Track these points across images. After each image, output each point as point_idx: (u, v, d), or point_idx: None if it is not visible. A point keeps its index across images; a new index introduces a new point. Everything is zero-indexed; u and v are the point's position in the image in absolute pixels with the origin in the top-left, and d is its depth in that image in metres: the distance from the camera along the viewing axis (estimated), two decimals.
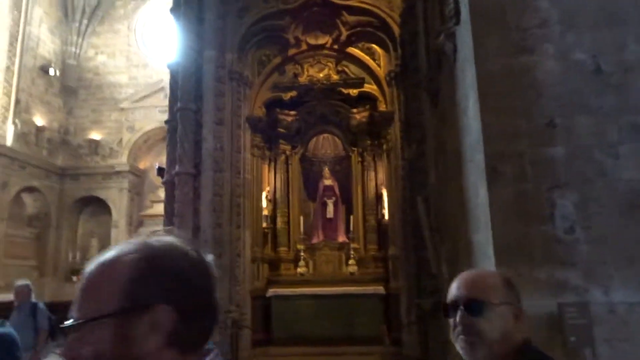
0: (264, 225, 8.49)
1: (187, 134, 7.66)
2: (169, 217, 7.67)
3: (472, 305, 1.13)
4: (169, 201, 7.84)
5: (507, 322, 1.16)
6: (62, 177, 15.15)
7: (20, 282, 5.54)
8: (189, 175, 7.44)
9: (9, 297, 6.32)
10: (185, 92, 7.80)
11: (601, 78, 3.69)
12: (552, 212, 3.62)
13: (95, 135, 15.82)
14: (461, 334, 1.18)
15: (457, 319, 1.20)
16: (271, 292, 7.74)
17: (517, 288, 1.32)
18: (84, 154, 15.72)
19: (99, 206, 15.24)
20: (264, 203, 8.58)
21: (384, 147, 8.29)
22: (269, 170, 9.03)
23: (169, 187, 7.86)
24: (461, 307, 1.19)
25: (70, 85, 15.96)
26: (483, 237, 4.04)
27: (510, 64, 3.98)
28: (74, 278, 13.58)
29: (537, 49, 3.80)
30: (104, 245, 15.63)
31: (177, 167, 7.60)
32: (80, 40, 15.89)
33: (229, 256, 7.24)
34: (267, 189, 8.80)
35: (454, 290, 1.26)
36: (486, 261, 3.93)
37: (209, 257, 0.65)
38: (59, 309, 4.83)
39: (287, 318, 7.54)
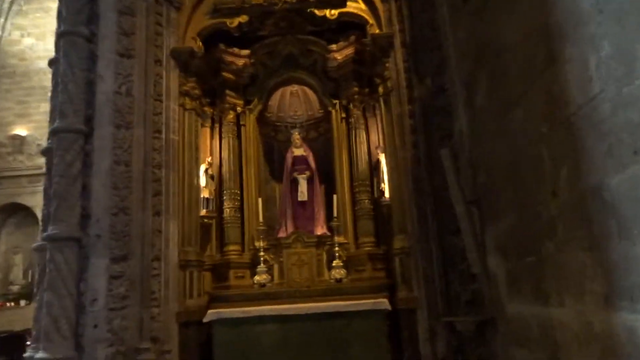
0: (204, 212, 6.05)
1: (73, 71, 5.24)
2: (47, 202, 5.14)
3: None
4: (49, 179, 5.30)
5: None
6: None
7: None
8: (74, 134, 4.98)
9: None
10: (72, 9, 5.30)
11: None
12: None
13: (20, 130, 14.43)
14: None
15: None
16: (212, 314, 5.25)
17: None
18: (6, 152, 14.26)
19: (26, 215, 13.83)
20: (203, 180, 6.10)
21: (380, 90, 5.94)
22: (211, 135, 6.58)
23: (50, 158, 5.31)
24: None
25: None
26: None
27: None
28: None
29: None
30: (31, 263, 13.90)
31: (56, 122, 5.08)
32: (1, 20, 14.83)
33: (139, 260, 4.82)
34: (208, 159, 6.37)
35: None
36: None
37: None
38: None
39: (239, 357, 5.07)
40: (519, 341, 3.60)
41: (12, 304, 13.16)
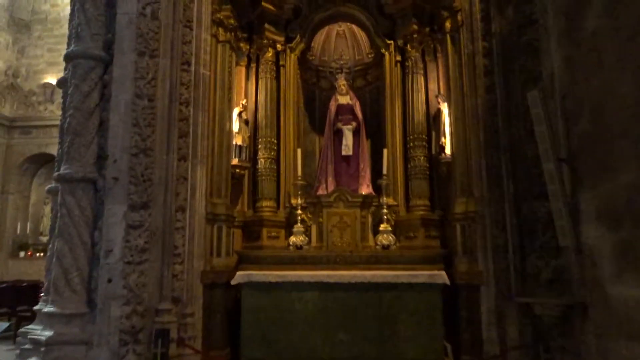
0: (235, 161, 5.44)
1: None
2: (62, 138, 4.64)
3: None
4: (64, 113, 4.79)
5: None
6: (10, 130, 13.29)
7: None
8: (91, 61, 4.38)
9: None
10: None
11: None
12: None
13: (51, 79, 13.63)
14: None
15: None
16: (242, 276, 4.67)
17: None
18: (38, 102, 13.88)
19: None
20: (236, 125, 5.44)
21: (447, 25, 5.06)
22: (246, 75, 5.88)
23: (66, 90, 4.79)
24: None
25: (22, 18, 14.03)
26: None
27: None
28: (22, 254, 12.39)
29: None
30: None
31: (71, 46, 4.50)
32: None
33: (162, 210, 4.27)
34: (243, 102, 5.67)
35: None
36: None
37: None
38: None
39: (269, 325, 4.55)
40: (630, 333, 2.84)
41: (42, 254, 13.20)
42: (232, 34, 5.37)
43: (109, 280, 3.99)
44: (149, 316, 4.01)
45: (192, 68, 4.77)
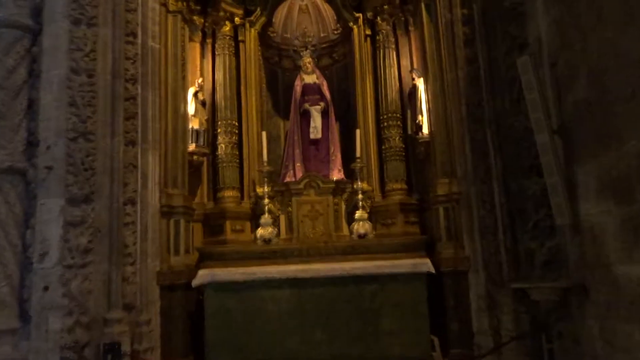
0: (192, 147, 4.91)
1: None
2: None
3: None
4: None
5: None
6: None
7: None
8: (16, 31, 3.75)
9: None
10: None
11: None
12: None
13: None
14: None
15: None
16: (204, 275, 4.18)
17: None
18: None
19: None
20: (192, 107, 4.91)
21: None
22: (202, 53, 5.35)
23: None
24: None
25: None
26: None
27: None
28: None
29: None
30: None
31: None
32: None
33: (107, 203, 3.70)
34: (199, 81, 5.14)
35: None
36: None
37: None
38: None
39: (238, 328, 4.11)
40: None
41: None
42: (185, 3, 4.81)
43: (45, 288, 3.41)
44: (96, 328, 3.46)
45: (139, 40, 4.20)
